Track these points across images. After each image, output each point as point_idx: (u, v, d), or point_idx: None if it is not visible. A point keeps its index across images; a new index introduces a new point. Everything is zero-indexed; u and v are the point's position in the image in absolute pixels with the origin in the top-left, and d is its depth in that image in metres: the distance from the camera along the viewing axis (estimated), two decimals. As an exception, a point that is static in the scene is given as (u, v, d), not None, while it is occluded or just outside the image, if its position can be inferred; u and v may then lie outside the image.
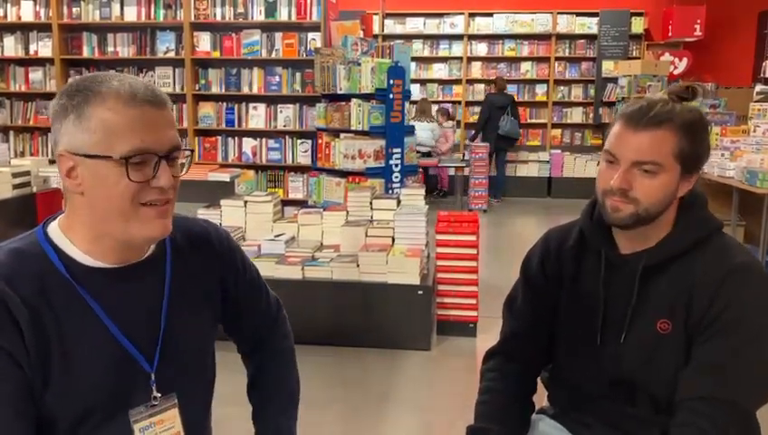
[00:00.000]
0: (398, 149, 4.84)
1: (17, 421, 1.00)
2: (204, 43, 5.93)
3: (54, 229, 1.10)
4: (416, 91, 9.68)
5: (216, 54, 5.95)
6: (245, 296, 1.35)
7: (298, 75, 5.86)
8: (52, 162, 5.41)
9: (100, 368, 1.07)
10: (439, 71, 10.41)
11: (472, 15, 10.19)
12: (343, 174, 4.96)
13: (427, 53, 10.38)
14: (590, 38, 10.06)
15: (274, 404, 1.36)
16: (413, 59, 9.38)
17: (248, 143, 6.05)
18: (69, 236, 1.09)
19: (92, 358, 1.06)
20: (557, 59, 10.15)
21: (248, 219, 4.07)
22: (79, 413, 1.06)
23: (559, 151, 9.94)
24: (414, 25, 10.33)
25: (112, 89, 1.02)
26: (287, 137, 5.98)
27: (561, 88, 10.28)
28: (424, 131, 8.34)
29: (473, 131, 9.38)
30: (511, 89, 10.26)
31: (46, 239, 1.08)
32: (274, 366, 1.40)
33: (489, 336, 3.76)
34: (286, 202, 5.46)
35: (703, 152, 1.34)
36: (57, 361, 1.03)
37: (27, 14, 6.10)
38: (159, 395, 1.14)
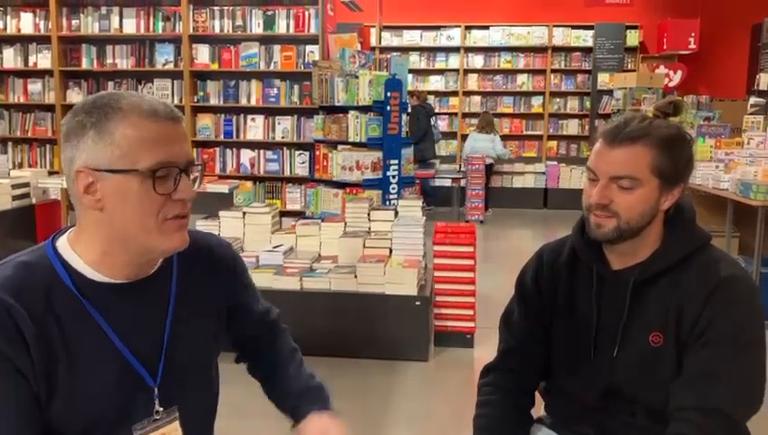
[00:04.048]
0: (396, 161, 4.87)
1: (23, 430, 1.01)
2: (202, 55, 5.97)
3: (63, 244, 1.11)
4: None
5: (215, 66, 5.99)
6: (247, 307, 1.38)
7: (296, 87, 5.90)
8: (51, 173, 5.43)
9: (104, 382, 1.08)
10: (436, 83, 10.48)
11: (468, 28, 10.27)
12: (341, 185, 4.99)
13: (423, 66, 10.45)
14: (586, 51, 10.14)
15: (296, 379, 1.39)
16: (410, 71, 9.46)
17: (246, 155, 6.07)
18: (77, 250, 1.09)
19: (97, 372, 1.07)
20: (553, 71, 10.23)
21: (246, 230, 4.09)
22: (82, 426, 1.07)
23: (555, 163, 9.99)
24: (411, 38, 10.40)
25: (133, 105, 1.04)
26: (285, 148, 6.01)
27: (557, 100, 10.35)
28: (483, 142, 8.61)
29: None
30: (507, 101, 10.35)
31: (55, 253, 1.09)
32: (285, 363, 1.42)
33: (486, 347, 3.78)
34: (284, 213, 5.48)
35: (683, 166, 1.37)
36: (62, 374, 1.04)
37: (27, 26, 6.14)
38: (161, 409, 1.15)
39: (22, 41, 6.19)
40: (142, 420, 1.12)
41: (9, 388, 1.00)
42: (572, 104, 10.34)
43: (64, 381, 1.04)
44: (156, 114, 1.05)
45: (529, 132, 10.41)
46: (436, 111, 10.30)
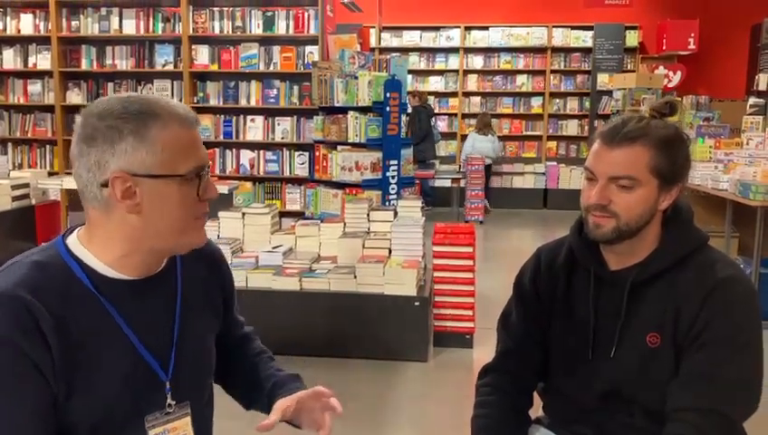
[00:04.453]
0: (395, 162, 4.87)
1: (39, 430, 1.03)
2: (202, 56, 5.97)
3: (74, 242, 1.13)
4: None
5: (215, 67, 5.99)
6: (233, 309, 1.41)
7: (296, 88, 5.90)
8: (51, 174, 5.43)
9: (120, 377, 1.10)
10: (436, 83, 10.48)
11: (468, 29, 10.28)
12: (340, 186, 4.99)
13: (423, 66, 10.46)
14: (586, 51, 10.15)
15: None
16: (410, 72, 9.45)
17: (246, 155, 6.07)
18: (91, 250, 1.11)
19: (114, 367, 1.10)
20: (552, 72, 10.23)
21: (246, 231, 4.09)
22: (97, 420, 1.08)
23: (554, 163, 10.01)
24: (410, 38, 10.41)
25: (168, 111, 1.08)
26: (285, 149, 6.01)
27: (557, 100, 10.36)
28: (483, 143, 8.83)
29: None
30: (507, 101, 10.36)
31: (67, 252, 1.11)
32: (258, 363, 1.43)
33: (486, 347, 3.79)
34: (284, 214, 5.48)
35: (680, 166, 1.37)
36: (81, 370, 1.06)
37: (27, 27, 6.13)
38: (174, 402, 1.17)
39: (21, 42, 6.19)
40: (154, 413, 1.15)
41: (26, 385, 1.01)
42: (572, 105, 10.35)
43: (83, 378, 1.06)
44: (188, 120, 1.10)
45: (528, 133, 10.41)
46: (436, 111, 10.31)
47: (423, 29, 10.35)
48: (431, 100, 10.00)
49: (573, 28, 10.10)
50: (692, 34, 9.50)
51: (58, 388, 1.04)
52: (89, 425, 1.08)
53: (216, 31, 5.90)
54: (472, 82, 10.43)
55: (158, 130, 1.06)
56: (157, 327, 1.16)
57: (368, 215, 4.12)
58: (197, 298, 1.24)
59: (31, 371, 1.01)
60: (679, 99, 7.94)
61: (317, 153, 5.29)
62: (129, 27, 5.99)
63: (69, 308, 1.06)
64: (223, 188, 4.65)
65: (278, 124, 5.96)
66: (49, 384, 1.03)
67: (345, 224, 4.11)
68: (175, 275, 1.21)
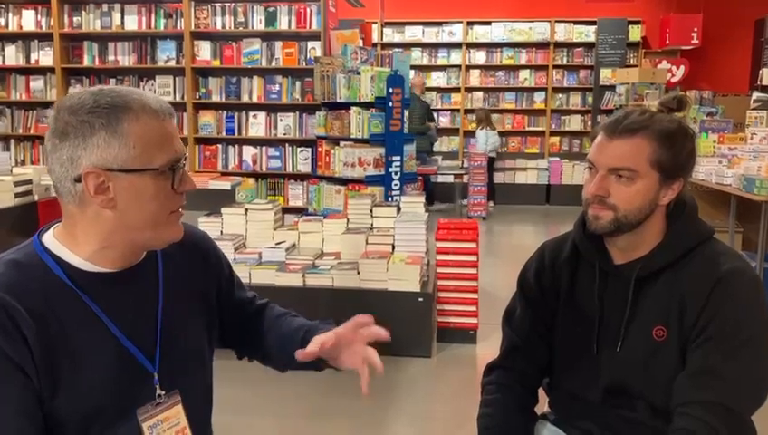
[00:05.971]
0: (398, 157, 4.86)
1: (28, 430, 1.02)
2: (204, 51, 5.97)
3: (50, 239, 1.12)
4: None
5: (217, 63, 5.99)
6: (234, 293, 1.40)
7: (298, 84, 5.89)
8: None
9: (105, 370, 1.09)
10: (438, 79, 10.46)
11: (470, 24, 10.25)
12: (343, 182, 4.99)
13: (425, 62, 10.43)
14: (588, 46, 10.11)
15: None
16: (412, 67, 9.42)
17: (248, 151, 6.07)
18: (68, 245, 1.10)
19: (98, 361, 1.09)
20: (555, 67, 10.20)
21: (249, 227, 4.09)
22: (87, 415, 1.08)
23: (557, 159, 9.98)
24: (413, 34, 10.38)
25: (140, 104, 1.06)
26: (287, 145, 6.01)
27: (560, 96, 10.32)
28: (494, 138, 9.10)
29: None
30: (509, 97, 10.33)
31: (44, 249, 1.10)
32: (278, 323, 1.42)
33: (489, 343, 3.79)
34: (286, 210, 5.47)
35: (683, 161, 1.36)
36: (65, 367, 1.05)
37: (28, 23, 6.14)
38: (163, 393, 1.16)
39: (23, 38, 6.20)
40: (145, 405, 1.14)
41: (11, 388, 1.01)
42: (575, 100, 10.32)
43: (68, 375, 1.05)
44: (160, 112, 1.08)
45: (531, 128, 10.39)
46: (438, 107, 10.30)
47: (425, 24, 10.32)
48: (432, 95, 9.98)
49: (576, 23, 10.06)
50: (695, 29, 9.46)
51: (42, 386, 1.03)
52: (79, 421, 1.07)
53: (218, 26, 5.90)
54: (474, 78, 10.41)
55: (130, 123, 1.04)
56: (140, 318, 1.15)
57: (371, 211, 4.11)
58: (182, 286, 1.23)
59: (12, 370, 1.01)
60: (684, 93, 7.92)
61: (319, 149, 5.28)
62: (131, 23, 5.99)
63: (48, 305, 1.05)
64: (225, 184, 4.65)
65: (280, 120, 5.96)
66: (32, 383, 1.02)
67: (348, 220, 4.10)
68: (155, 264, 1.20)
